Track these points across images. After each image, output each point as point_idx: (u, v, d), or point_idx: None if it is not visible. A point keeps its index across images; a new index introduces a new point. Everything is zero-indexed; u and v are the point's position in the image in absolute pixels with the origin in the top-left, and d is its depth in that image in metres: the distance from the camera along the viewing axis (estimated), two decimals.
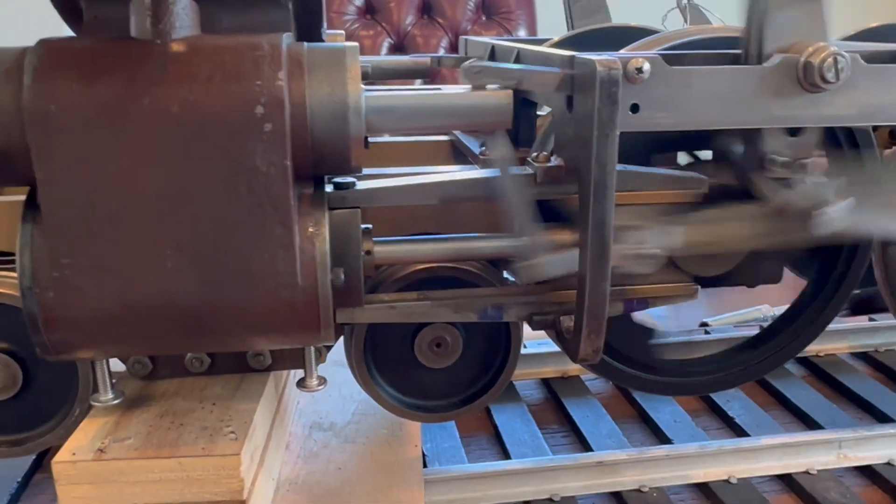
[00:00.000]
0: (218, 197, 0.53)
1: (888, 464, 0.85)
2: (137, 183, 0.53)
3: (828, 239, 0.65)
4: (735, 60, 0.63)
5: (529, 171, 0.63)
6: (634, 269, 0.62)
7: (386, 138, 0.88)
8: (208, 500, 0.62)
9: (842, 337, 1.12)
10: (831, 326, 1.13)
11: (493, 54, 0.85)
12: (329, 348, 0.75)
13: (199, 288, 0.56)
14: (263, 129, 0.52)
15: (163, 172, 0.53)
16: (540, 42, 0.95)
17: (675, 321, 1.12)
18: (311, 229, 0.56)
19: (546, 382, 1.05)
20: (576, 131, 0.59)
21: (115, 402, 0.64)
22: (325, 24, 0.79)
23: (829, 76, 0.57)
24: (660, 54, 0.59)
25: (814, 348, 1.10)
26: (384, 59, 0.98)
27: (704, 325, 1.28)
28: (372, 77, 0.98)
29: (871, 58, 0.64)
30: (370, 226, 0.64)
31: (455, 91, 0.59)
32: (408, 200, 0.62)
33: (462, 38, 1.03)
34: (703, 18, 1.01)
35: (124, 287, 0.55)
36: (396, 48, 2.32)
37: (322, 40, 0.73)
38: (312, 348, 0.67)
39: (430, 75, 0.98)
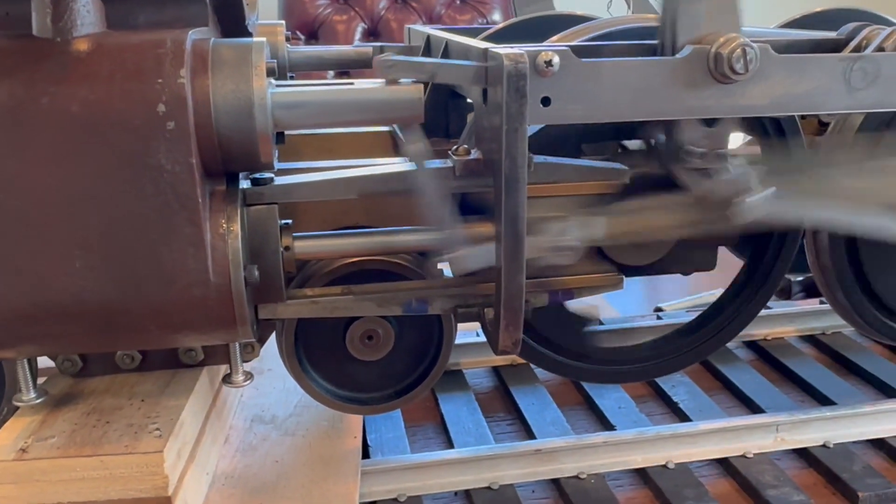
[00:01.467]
0: (124, 196, 0.53)
1: (823, 446, 0.86)
2: (41, 183, 0.52)
3: (750, 227, 0.66)
4: (653, 51, 0.63)
5: (449, 164, 0.63)
6: (554, 261, 0.62)
7: (325, 130, 0.88)
8: (133, 497, 0.62)
9: (790, 320, 1.14)
10: (780, 310, 1.15)
11: (428, 45, 0.85)
12: (262, 343, 0.75)
13: (111, 287, 0.55)
14: (166, 127, 0.52)
15: (66, 172, 0.52)
16: (481, 31, 0.94)
17: None
18: (222, 226, 0.56)
19: (496, 370, 1.06)
20: (489, 124, 0.59)
21: (38, 401, 0.64)
22: (254, 16, 0.78)
23: (738, 67, 0.57)
24: (573, 46, 0.59)
25: (762, 332, 1.12)
26: (327, 49, 0.97)
27: (659, 309, 1.29)
28: (314, 68, 0.98)
29: (789, 47, 0.65)
30: (290, 221, 0.64)
31: (366, 86, 0.58)
32: (326, 195, 0.62)
33: (406, 27, 1.02)
34: (646, 5, 1.00)
35: (33, 287, 0.55)
36: (370, 33, 2.31)
37: (249, 33, 0.72)
38: (238, 344, 0.67)
39: (372, 65, 0.98)
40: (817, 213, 0.69)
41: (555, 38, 0.73)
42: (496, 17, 2.36)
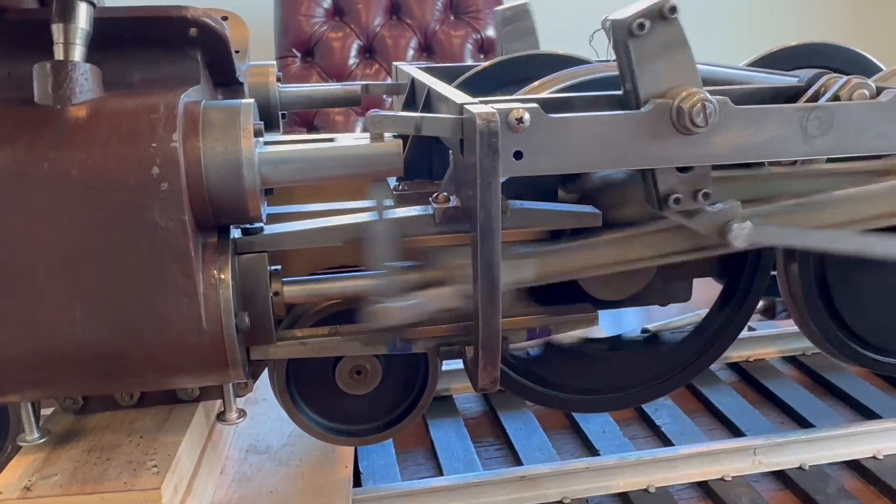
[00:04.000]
0: (121, 252, 0.57)
1: (800, 468, 0.89)
2: (43, 241, 0.56)
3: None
4: (621, 102, 0.67)
5: (429, 210, 0.66)
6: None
7: None
8: None
9: (771, 342, 1.17)
10: (762, 332, 1.18)
11: (412, 87, 0.89)
12: (255, 379, 0.78)
13: (109, 335, 0.59)
14: (160, 187, 0.55)
15: (67, 231, 0.56)
16: (467, 70, 0.98)
17: None
18: (214, 276, 0.60)
19: (485, 395, 1.09)
20: (465, 175, 0.62)
21: (41, 441, 0.67)
22: (245, 64, 0.82)
23: (699, 121, 0.60)
24: (544, 100, 0.62)
25: (744, 353, 1.15)
26: (316, 87, 1.01)
27: (646, 331, 1.32)
28: (305, 107, 1.02)
29: (750, 96, 0.68)
30: (279, 267, 0.67)
31: (348, 142, 0.62)
32: (312, 243, 0.66)
33: (394, 64, 1.06)
34: None
35: (36, 336, 0.58)
36: (365, 50, 2.35)
37: (239, 82, 0.76)
38: (231, 384, 0.70)
39: (361, 103, 1.01)
40: (801, 237, 0.72)
41: (535, 84, 0.77)
42: (490, 32, 2.40)
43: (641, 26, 0.60)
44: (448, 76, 0.92)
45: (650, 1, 0.61)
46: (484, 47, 2.39)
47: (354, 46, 2.33)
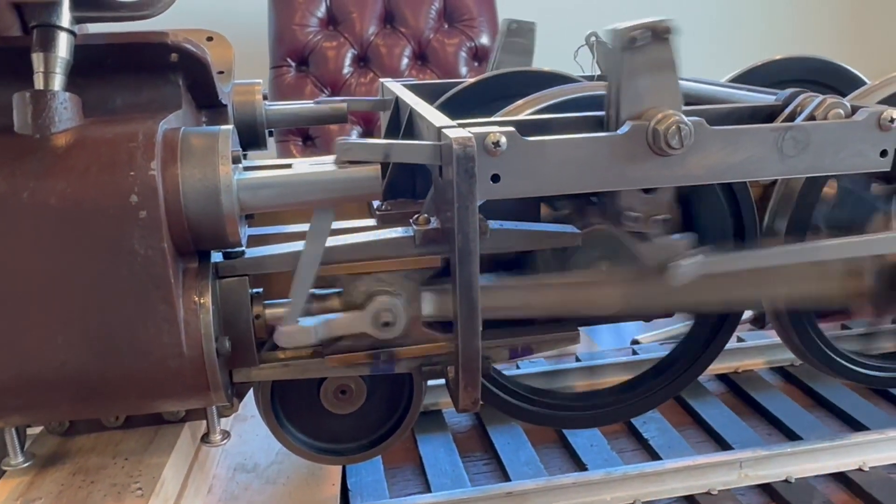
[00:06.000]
0: (102, 279, 0.57)
1: (785, 481, 0.89)
2: (24, 269, 0.56)
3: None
4: (600, 122, 0.67)
5: (410, 232, 0.67)
6: None
7: None
8: None
9: (759, 353, 1.17)
10: (751, 342, 1.19)
11: (397, 106, 0.89)
12: (241, 398, 0.79)
13: (91, 361, 0.59)
14: (139, 215, 0.56)
15: (47, 259, 0.56)
16: (454, 85, 0.98)
17: None
18: (195, 302, 0.60)
19: None
20: (444, 197, 0.63)
21: (25, 465, 0.68)
22: (228, 85, 0.83)
23: (674, 143, 0.61)
24: (521, 122, 0.63)
25: (732, 364, 1.15)
26: (302, 105, 1.01)
27: (635, 342, 1.32)
28: (291, 124, 1.02)
29: (727, 116, 0.69)
30: (260, 290, 0.67)
31: (326, 167, 0.62)
32: (294, 266, 0.66)
33: (380, 80, 1.06)
34: None
35: (18, 362, 0.58)
36: (360, 59, 2.35)
37: (222, 104, 0.77)
38: (214, 406, 0.71)
39: (347, 120, 1.02)
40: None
41: (519, 103, 0.77)
42: (483, 39, 2.41)
43: (635, 40, 0.61)
44: (433, 93, 0.93)
45: (651, 18, 0.61)
46: (478, 55, 2.40)
47: (349, 55, 2.33)
